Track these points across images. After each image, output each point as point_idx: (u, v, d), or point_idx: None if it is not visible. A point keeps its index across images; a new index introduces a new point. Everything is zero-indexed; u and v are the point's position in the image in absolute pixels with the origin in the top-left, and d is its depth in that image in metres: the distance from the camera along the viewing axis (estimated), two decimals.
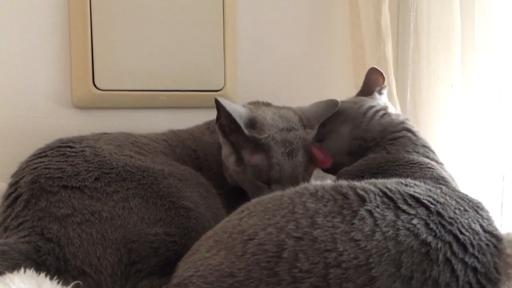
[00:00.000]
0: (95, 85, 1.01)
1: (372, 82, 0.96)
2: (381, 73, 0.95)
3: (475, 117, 1.10)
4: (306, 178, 0.84)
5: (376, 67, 0.97)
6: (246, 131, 0.79)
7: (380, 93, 0.95)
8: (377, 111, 0.89)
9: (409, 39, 1.22)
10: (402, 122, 0.87)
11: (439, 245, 0.55)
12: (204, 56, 1.11)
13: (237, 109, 0.82)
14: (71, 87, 1.02)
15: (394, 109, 0.95)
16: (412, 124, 0.88)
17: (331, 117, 0.88)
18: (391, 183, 0.65)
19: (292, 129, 0.83)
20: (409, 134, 0.83)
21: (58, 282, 0.57)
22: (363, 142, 0.86)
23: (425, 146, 0.83)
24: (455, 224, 0.58)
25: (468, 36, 1.10)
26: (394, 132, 0.84)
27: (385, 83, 0.97)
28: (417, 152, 0.81)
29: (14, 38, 0.98)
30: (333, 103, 0.87)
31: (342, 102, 0.93)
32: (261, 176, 0.80)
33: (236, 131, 0.81)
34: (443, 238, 0.55)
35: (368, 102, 0.91)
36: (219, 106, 0.81)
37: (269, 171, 0.80)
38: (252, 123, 0.81)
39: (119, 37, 1.03)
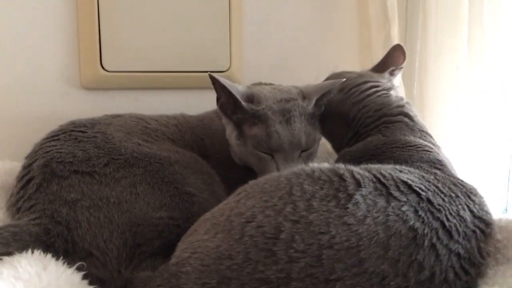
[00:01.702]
0: (102, 67, 1.04)
1: (392, 58, 0.95)
2: (403, 52, 0.94)
3: (481, 98, 1.10)
4: (310, 144, 0.84)
5: (401, 44, 0.95)
6: (243, 103, 0.81)
7: (392, 74, 0.94)
8: (377, 91, 0.88)
9: (417, 19, 1.21)
10: (401, 106, 0.86)
11: (426, 231, 0.57)
12: (210, 37, 1.12)
13: (233, 85, 0.84)
14: (79, 69, 1.05)
15: (401, 92, 0.95)
16: (411, 108, 0.88)
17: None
18: (386, 168, 0.67)
19: (290, 99, 0.84)
20: (406, 119, 0.83)
21: (64, 263, 0.60)
22: (358, 115, 0.86)
23: (422, 131, 0.83)
24: (443, 211, 0.60)
25: (476, 16, 1.09)
26: (390, 115, 0.84)
27: (403, 64, 0.95)
28: (414, 136, 0.82)
29: (22, 21, 1.00)
30: (338, 82, 0.87)
31: (351, 72, 0.93)
32: (261, 146, 0.82)
33: (235, 107, 0.83)
34: (430, 225, 0.58)
35: (374, 79, 0.91)
36: (214, 82, 0.82)
37: (269, 140, 0.81)
38: (250, 98, 0.83)
39: (125, 19, 1.04)
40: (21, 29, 1.00)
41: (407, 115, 0.84)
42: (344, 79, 0.88)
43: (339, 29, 1.26)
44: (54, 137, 0.79)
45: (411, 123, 0.83)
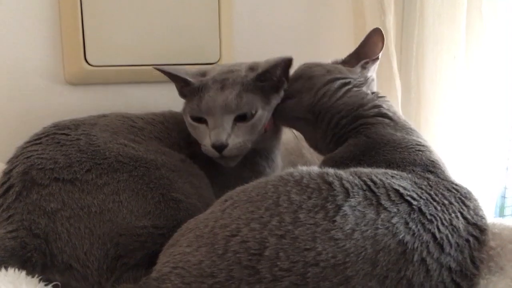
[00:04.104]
0: (87, 61, 1.00)
1: (370, 44, 0.88)
2: (382, 38, 0.87)
3: (479, 86, 1.09)
4: (243, 108, 0.81)
5: (381, 29, 0.88)
6: (189, 79, 0.83)
7: (363, 67, 0.87)
8: (348, 89, 0.83)
9: (415, 6, 1.17)
10: (377, 106, 0.81)
11: (416, 245, 0.55)
12: (199, 28, 1.08)
13: (182, 68, 0.87)
14: (63, 64, 1.01)
15: (375, 86, 0.89)
16: (389, 106, 0.83)
17: (300, 78, 0.87)
18: (377, 174, 0.65)
19: (235, 70, 0.84)
20: (386, 120, 0.79)
21: (39, 281, 0.58)
22: (333, 120, 0.82)
23: (405, 128, 0.79)
24: (435, 222, 0.58)
25: (475, 4, 1.06)
26: (366, 117, 0.80)
27: (380, 54, 0.89)
28: (401, 132, 0.78)
29: (3, 15, 0.96)
30: (283, 58, 0.84)
31: (321, 65, 0.88)
32: (195, 111, 0.82)
33: (186, 85, 0.84)
34: (421, 237, 0.56)
35: (343, 75, 0.85)
36: (162, 72, 0.85)
37: (200, 103, 0.81)
38: (202, 74, 0.86)
39: (109, 12, 1.00)
40: (2, 23, 0.96)
41: (384, 115, 0.80)
42: (291, 56, 0.84)
43: (334, 19, 1.22)
44: (36, 140, 0.76)
45: (392, 123, 0.79)
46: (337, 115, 0.82)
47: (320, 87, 0.84)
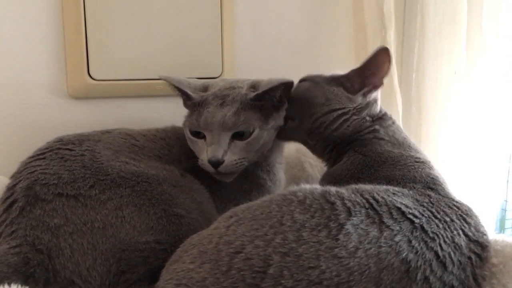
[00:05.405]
0: (90, 75, 1.01)
1: (375, 64, 0.82)
2: (389, 58, 0.81)
3: (479, 101, 1.09)
4: (240, 126, 0.80)
5: (388, 48, 0.82)
6: (190, 93, 0.83)
7: (364, 96, 0.84)
8: (346, 119, 0.82)
9: (415, 21, 1.18)
10: (374, 131, 0.81)
11: (419, 263, 0.56)
12: (201, 42, 1.09)
13: (186, 80, 0.87)
14: (66, 78, 1.01)
15: (378, 106, 0.86)
16: (386, 129, 0.81)
17: (301, 100, 0.85)
18: (379, 191, 0.65)
19: (236, 87, 0.84)
20: (381, 142, 0.79)
21: None
22: (330, 146, 0.84)
23: (403, 145, 0.79)
24: (437, 240, 0.59)
25: (475, 19, 1.07)
26: (361, 139, 0.80)
27: (384, 80, 0.84)
28: (398, 149, 0.78)
29: (7, 29, 0.96)
30: (283, 80, 0.83)
31: (320, 90, 0.85)
32: (193, 125, 0.82)
33: (188, 98, 0.85)
34: (424, 256, 0.56)
35: (342, 105, 0.82)
36: (167, 82, 0.85)
37: (199, 118, 0.81)
38: (205, 88, 0.87)
39: (113, 26, 1.01)
40: (5, 38, 0.96)
41: (380, 139, 0.80)
42: (291, 80, 0.84)
43: (335, 33, 1.23)
44: (40, 155, 0.77)
45: (389, 143, 0.79)
46: (333, 143, 0.83)
47: (317, 117, 0.83)
